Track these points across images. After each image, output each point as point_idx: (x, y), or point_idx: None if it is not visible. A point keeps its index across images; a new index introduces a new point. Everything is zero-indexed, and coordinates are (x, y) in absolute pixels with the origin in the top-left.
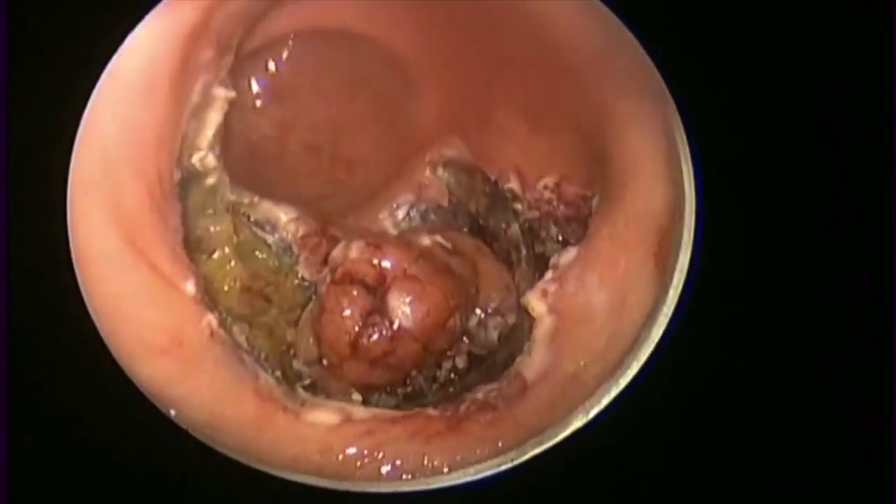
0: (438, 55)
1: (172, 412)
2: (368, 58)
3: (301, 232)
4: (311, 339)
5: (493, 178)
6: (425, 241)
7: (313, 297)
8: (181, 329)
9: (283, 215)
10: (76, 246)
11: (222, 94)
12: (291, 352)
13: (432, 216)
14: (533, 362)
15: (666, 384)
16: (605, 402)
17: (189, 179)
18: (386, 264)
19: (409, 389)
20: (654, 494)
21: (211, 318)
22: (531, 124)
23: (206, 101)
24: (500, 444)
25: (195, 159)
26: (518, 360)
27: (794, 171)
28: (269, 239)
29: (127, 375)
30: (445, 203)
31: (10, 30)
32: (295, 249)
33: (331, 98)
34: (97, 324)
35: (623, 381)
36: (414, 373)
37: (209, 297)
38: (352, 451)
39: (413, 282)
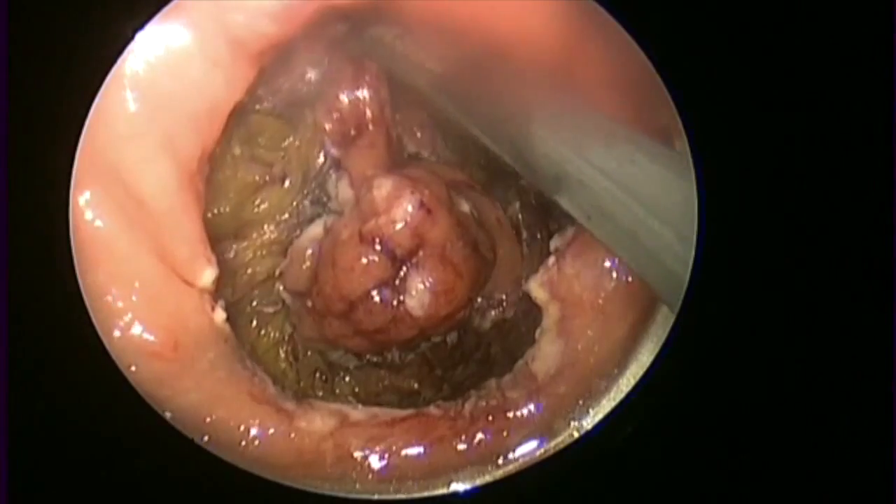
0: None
1: (168, 414)
2: None
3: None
4: (304, 268)
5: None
6: (464, 205)
7: (325, 218)
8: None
9: None
10: None
11: None
12: (277, 272)
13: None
14: (542, 354)
15: (666, 387)
16: (605, 405)
17: None
18: (430, 237)
19: (377, 359)
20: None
21: (220, 311)
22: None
23: None
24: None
25: None
26: (527, 353)
27: (794, 170)
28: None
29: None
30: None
31: (10, 27)
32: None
33: None
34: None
35: (623, 384)
36: (394, 349)
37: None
38: (353, 455)
39: (447, 269)
